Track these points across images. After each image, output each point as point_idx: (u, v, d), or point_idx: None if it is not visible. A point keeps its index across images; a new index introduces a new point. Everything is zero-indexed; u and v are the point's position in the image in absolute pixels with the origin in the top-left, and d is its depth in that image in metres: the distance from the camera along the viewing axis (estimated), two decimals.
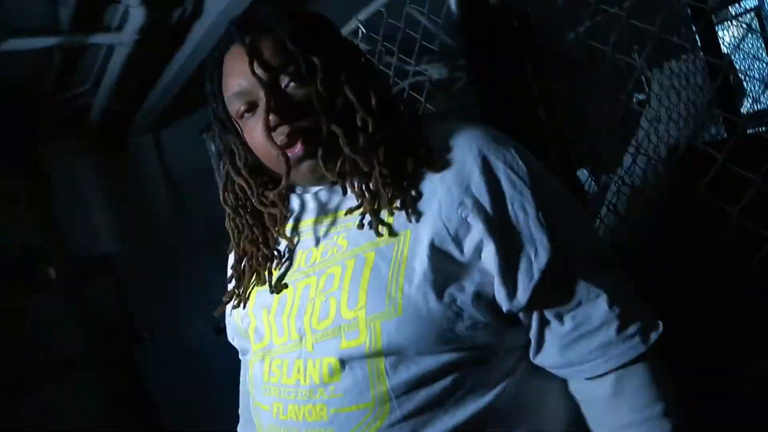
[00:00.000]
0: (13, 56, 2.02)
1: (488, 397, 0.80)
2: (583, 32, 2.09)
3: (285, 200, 0.95)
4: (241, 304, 0.95)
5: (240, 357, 1.11)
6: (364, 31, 1.40)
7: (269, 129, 0.82)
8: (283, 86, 0.83)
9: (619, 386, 0.81)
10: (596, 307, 0.80)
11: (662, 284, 1.19)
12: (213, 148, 2.33)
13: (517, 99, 1.18)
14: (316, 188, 0.93)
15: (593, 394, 0.83)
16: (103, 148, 2.88)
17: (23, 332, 2.45)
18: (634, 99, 2.61)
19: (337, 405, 0.79)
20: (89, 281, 2.72)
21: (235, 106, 0.86)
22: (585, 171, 2.38)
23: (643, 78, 2.38)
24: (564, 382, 0.86)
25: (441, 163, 0.83)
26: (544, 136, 1.25)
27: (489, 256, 0.78)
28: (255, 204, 0.94)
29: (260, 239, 0.95)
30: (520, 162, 0.81)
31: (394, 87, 1.50)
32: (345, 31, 1.40)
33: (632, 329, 0.80)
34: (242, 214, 0.96)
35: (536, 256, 0.78)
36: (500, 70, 1.18)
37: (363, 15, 1.37)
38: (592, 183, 2.23)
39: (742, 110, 3.02)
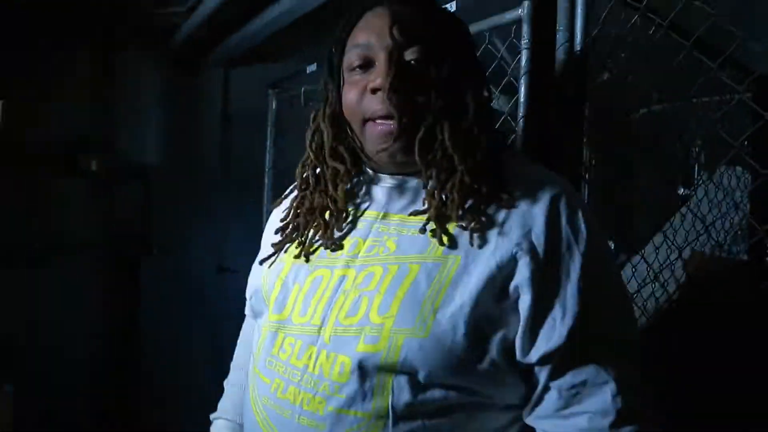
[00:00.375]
0: None
1: None
2: (645, 114, 2.15)
3: (354, 163, 0.94)
4: (302, 256, 0.92)
5: (246, 313, 1.13)
6: None
7: (389, 88, 0.82)
8: (405, 59, 0.84)
9: None
10: (600, 392, 0.78)
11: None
12: (274, 106, 2.43)
13: (556, 158, 1.24)
14: (385, 181, 0.93)
15: None
16: (175, 69, 3.00)
17: (49, 212, 2.59)
18: (679, 191, 2.65)
19: (337, 404, 0.79)
20: (122, 183, 2.86)
21: (351, 57, 0.87)
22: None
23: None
24: None
25: (513, 200, 0.83)
26: None
27: (523, 305, 0.78)
28: (326, 154, 0.93)
29: (329, 192, 0.94)
30: (584, 229, 0.81)
31: None
32: None
33: (626, 429, 0.77)
34: (321, 161, 0.96)
35: (562, 320, 0.78)
36: (548, 124, 1.25)
37: None
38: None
39: None
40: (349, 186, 0.95)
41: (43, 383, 2.46)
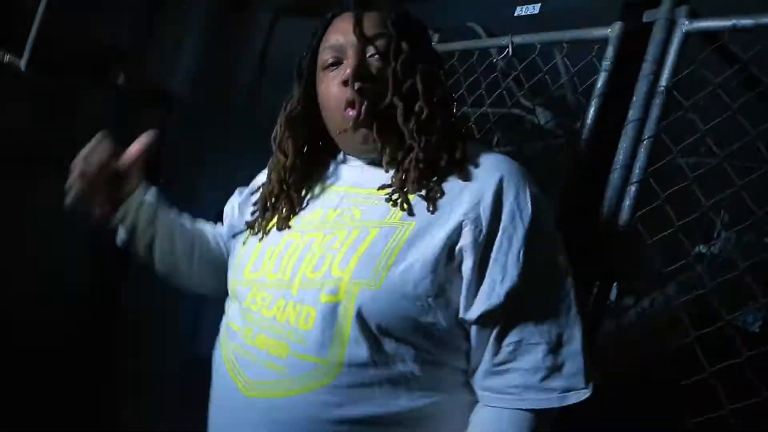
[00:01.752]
0: None
1: (420, 401, 0.89)
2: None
3: (305, 156, 1.10)
4: (260, 233, 1.07)
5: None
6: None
7: (354, 78, 0.94)
8: (368, 54, 0.97)
9: (508, 425, 0.88)
10: (533, 351, 0.88)
11: None
12: None
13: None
14: (354, 162, 1.06)
15: (487, 422, 0.91)
16: (227, 5, 2.95)
17: (74, 119, 2.53)
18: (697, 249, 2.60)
19: (298, 350, 0.89)
20: (146, 105, 2.80)
21: (324, 56, 1.01)
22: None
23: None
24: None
25: (467, 176, 0.93)
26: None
27: (466, 267, 0.88)
28: (276, 145, 1.10)
29: (288, 179, 1.08)
30: (529, 204, 0.90)
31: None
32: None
33: (555, 384, 0.88)
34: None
35: (502, 282, 0.88)
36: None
37: (519, 39, 1.39)
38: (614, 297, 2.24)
39: None
40: (316, 168, 1.11)
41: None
